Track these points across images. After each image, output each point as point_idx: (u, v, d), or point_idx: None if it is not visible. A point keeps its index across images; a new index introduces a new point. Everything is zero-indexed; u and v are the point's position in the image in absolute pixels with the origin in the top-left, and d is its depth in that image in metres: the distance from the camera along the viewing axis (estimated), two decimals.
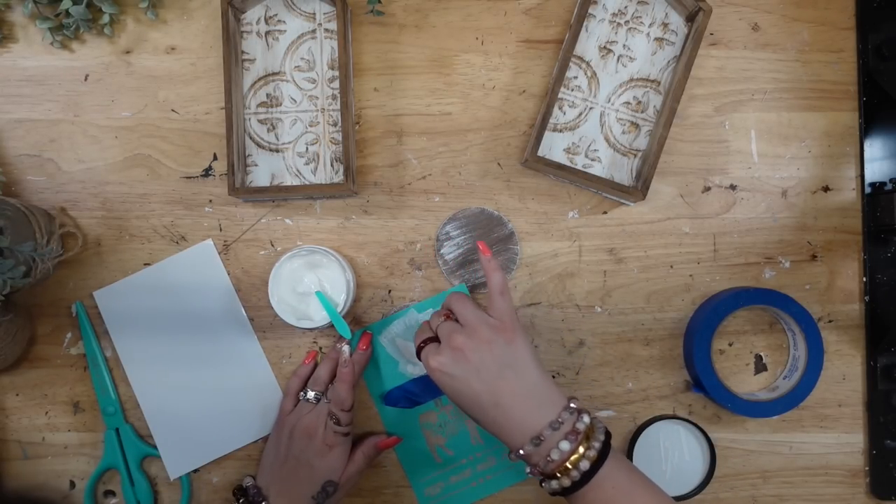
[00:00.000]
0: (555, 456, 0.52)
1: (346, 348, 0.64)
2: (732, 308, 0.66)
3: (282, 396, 0.67)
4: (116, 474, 0.68)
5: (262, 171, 0.67)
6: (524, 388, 0.54)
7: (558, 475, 0.52)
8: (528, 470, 0.55)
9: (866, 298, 0.69)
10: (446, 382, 0.55)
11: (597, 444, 0.53)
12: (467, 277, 0.68)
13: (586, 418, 0.54)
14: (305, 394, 0.65)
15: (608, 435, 0.54)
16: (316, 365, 0.67)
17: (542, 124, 0.65)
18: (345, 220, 0.69)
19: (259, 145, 0.67)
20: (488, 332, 0.54)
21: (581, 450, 0.52)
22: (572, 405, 0.54)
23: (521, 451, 0.53)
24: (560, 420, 0.53)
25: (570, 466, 0.52)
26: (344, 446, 0.62)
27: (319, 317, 0.64)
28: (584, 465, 0.52)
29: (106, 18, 0.67)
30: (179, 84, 0.69)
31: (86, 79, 0.69)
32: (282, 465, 0.61)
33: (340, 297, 0.64)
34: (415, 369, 0.68)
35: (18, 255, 0.59)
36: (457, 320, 0.56)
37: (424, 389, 0.67)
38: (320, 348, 0.69)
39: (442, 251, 0.68)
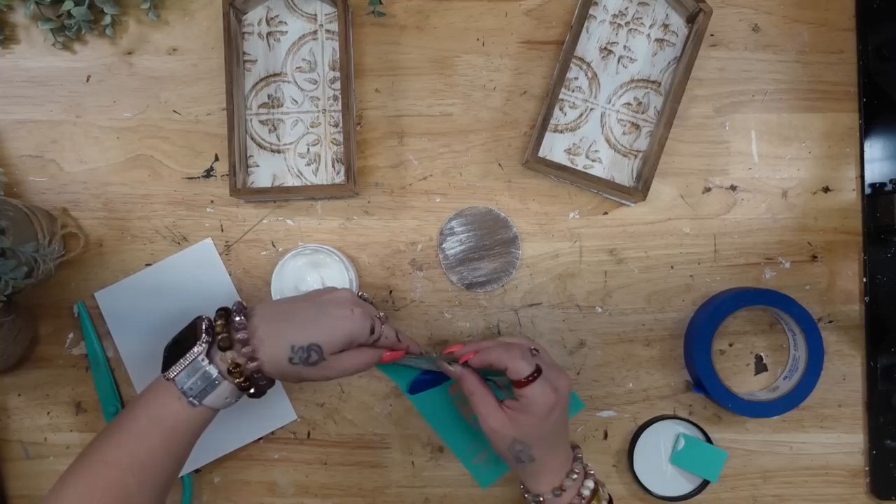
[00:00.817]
0: (574, 501, 0.56)
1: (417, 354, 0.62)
2: (733, 308, 0.66)
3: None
4: None
5: (264, 172, 0.67)
6: (566, 436, 0.58)
7: None
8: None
9: (866, 299, 0.69)
10: (553, 415, 0.55)
11: (606, 495, 0.59)
12: (466, 275, 0.69)
13: (591, 469, 0.59)
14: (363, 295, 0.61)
15: (610, 497, 0.60)
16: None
17: (542, 125, 0.65)
18: (346, 221, 0.69)
19: (260, 146, 0.68)
20: (568, 375, 0.58)
21: (595, 500, 0.57)
22: (578, 454, 0.59)
23: (542, 499, 0.57)
24: (575, 471, 0.57)
25: None
26: (363, 326, 0.55)
27: None
28: None
29: (108, 19, 0.67)
30: (181, 85, 0.69)
31: (87, 80, 0.69)
32: (291, 300, 0.56)
33: None
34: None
35: (20, 256, 0.59)
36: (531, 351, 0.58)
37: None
38: None
39: (444, 245, 0.68)
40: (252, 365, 0.51)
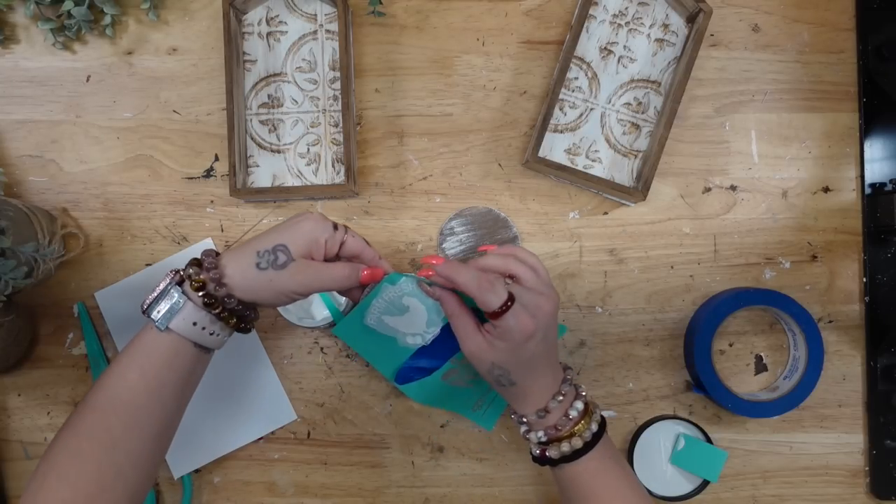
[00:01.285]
0: (561, 422, 0.55)
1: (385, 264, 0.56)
2: (733, 308, 0.66)
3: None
4: None
5: (264, 172, 0.67)
6: (550, 360, 0.56)
7: (561, 440, 0.55)
8: (523, 430, 0.57)
9: (866, 299, 0.69)
10: (531, 343, 0.53)
11: (598, 417, 0.56)
12: None
13: (583, 391, 0.57)
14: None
15: (603, 418, 0.58)
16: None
17: (542, 125, 0.65)
18: (346, 221, 0.69)
19: (260, 146, 0.68)
20: (555, 297, 0.55)
21: (584, 421, 0.55)
22: (568, 376, 0.57)
23: (525, 419, 0.56)
24: (562, 393, 0.56)
25: (574, 433, 0.55)
26: (324, 226, 0.52)
27: (322, 316, 0.64)
28: (587, 434, 0.55)
29: (107, 19, 0.67)
30: (181, 85, 0.69)
31: (87, 80, 0.69)
32: (259, 234, 0.53)
33: (343, 296, 0.64)
34: (415, 339, 0.61)
35: (20, 256, 0.59)
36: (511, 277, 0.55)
37: (433, 355, 0.62)
38: (322, 348, 0.69)
39: (444, 245, 0.68)
40: (222, 291, 0.50)
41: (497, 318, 0.52)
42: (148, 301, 0.51)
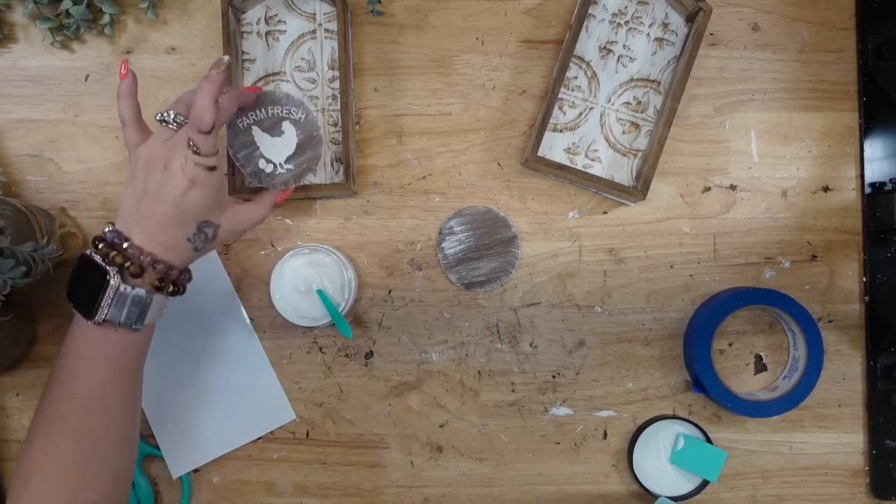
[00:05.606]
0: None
1: (225, 58, 0.53)
2: (732, 308, 0.66)
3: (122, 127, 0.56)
4: None
5: None
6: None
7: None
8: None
9: (866, 298, 0.69)
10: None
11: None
12: (465, 274, 0.68)
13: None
14: (164, 115, 0.54)
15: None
16: (135, 76, 0.55)
17: (542, 124, 0.65)
18: (345, 221, 0.69)
19: None
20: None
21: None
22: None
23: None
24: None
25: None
26: (209, 182, 0.52)
27: (320, 315, 0.64)
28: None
29: (106, 19, 0.67)
30: (180, 84, 0.69)
31: (86, 79, 0.69)
32: (139, 203, 0.52)
33: (342, 296, 0.64)
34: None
35: (19, 255, 0.59)
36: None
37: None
38: (320, 348, 0.69)
39: (443, 245, 0.68)
40: (173, 273, 0.53)
41: None
42: (105, 311, 0.51)
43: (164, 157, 0.52)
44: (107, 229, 0.53)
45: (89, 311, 0.51)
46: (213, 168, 0.52)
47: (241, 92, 0.57)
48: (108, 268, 0.51)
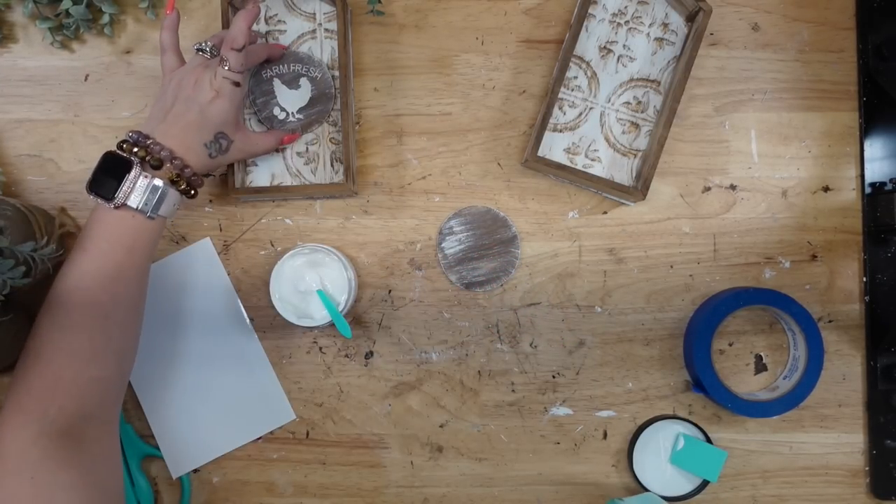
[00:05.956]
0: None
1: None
2: (732, 308, 0.66)
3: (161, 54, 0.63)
4: None
5: (262, 171, 0.67)
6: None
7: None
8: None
9: (866, 298, 0.69)
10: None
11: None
12: (465, 274, 0.68)
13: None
14: (202, 45, 0.62)
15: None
16: (178, 14, 0.63)
17: (542, 124, 0.65)
18: (345, 220, 0.69)
19: None
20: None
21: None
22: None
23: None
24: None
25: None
26: (233, 96, 0.59)
27: (320, 315, 0.64)
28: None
29: (106, 18, 0.67)
30: None
31: (86, 79, 0.69)
32: (167, 113, 0.59)
33: (342, 296, 0.64)
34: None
35: (18, 255, 0.59)
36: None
37: None
38: (320, 348, 0.69)
39: (443, 245, 0.68)
40: (188, 171, 0.58)
41: None
42: (125, 194, 0.55)
43: (196, 74, 0.59)
44: (130, 133, 0.58)
45: (111, 197, 0.55)
46: (237, 84, 0.59)
47: (272, 45, 0.66)
48: (131, 158, 0.56)
